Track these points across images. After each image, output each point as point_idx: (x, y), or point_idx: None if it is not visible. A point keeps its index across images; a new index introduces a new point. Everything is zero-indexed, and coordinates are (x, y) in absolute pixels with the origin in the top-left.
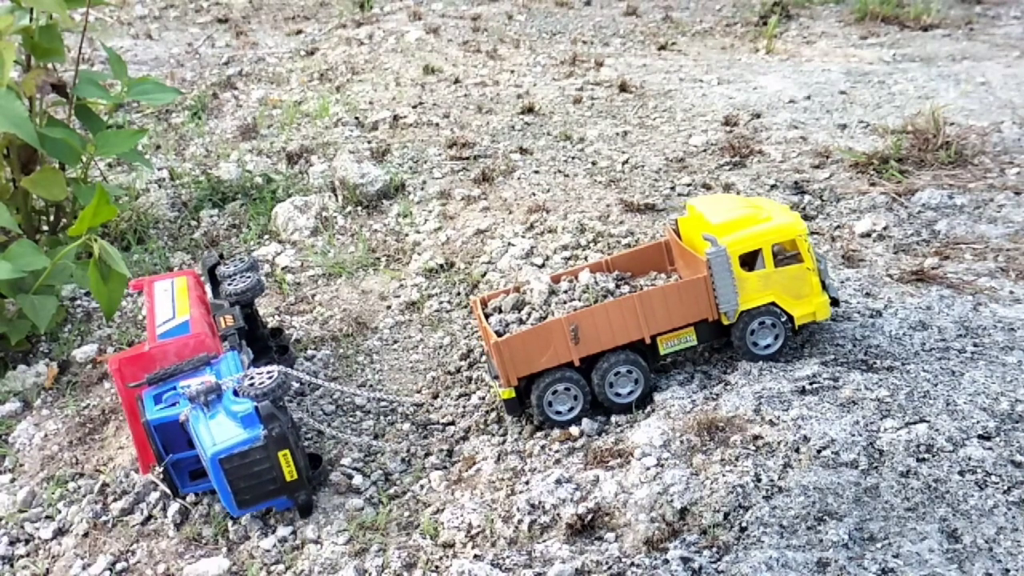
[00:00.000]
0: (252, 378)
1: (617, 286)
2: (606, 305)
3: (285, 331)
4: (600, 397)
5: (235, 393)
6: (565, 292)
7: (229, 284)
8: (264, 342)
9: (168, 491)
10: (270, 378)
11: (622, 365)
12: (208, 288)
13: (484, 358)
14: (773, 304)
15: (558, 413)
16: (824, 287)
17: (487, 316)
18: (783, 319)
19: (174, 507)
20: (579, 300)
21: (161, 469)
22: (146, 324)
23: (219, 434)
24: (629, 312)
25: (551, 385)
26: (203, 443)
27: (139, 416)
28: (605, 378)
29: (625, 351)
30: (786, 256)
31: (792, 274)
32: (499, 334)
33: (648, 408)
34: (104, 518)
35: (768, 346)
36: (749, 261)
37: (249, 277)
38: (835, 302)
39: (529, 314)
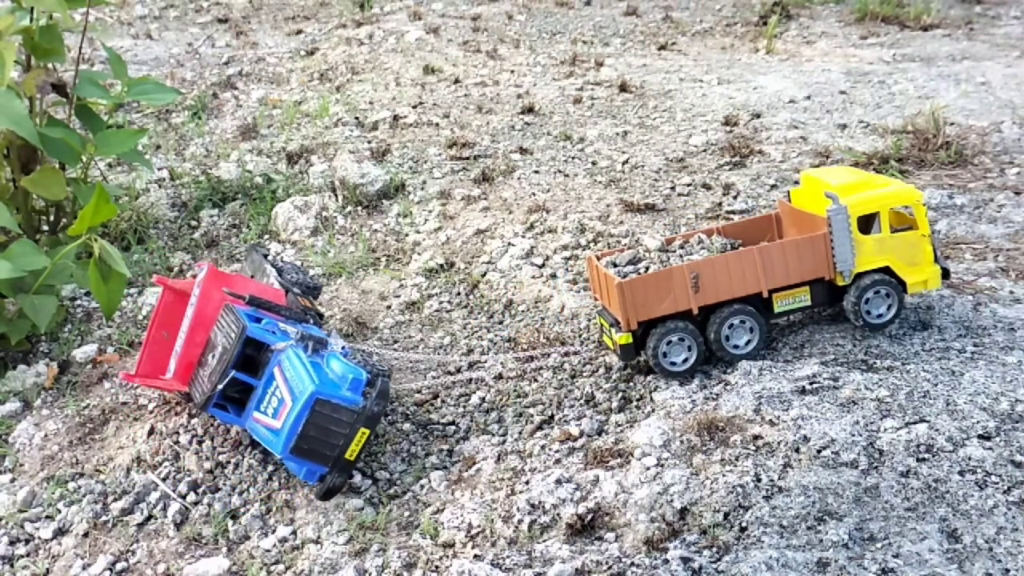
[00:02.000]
0: (366, 355)
1: (733, 247)
2: (727, 256)
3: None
4: (716, 348)
5: (344, 355)
6: (682, 248)
7: (295, 274)
8: None
9: (201, 403)
10: (382, 362)
11: (738, 315)
12: (270, 268)
13: (598, 315)
14: (888, 268)
15: (672, 364)
16: (936, 258)
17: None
18: (896, 287)
19: (174, 507)
20: (696, 255)
21: (222, 384)
22: (153, 314)
23: (323, 380)
24: (749, 264)
25: (667, 335)
26: (303, 378)
27: (205, 326)
28: (722, 328)
29: (742, 303)
30: (896, 228)
31: (908, 240)
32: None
33: (648, 408)
34: (104, 518)
35: (881, 315)
36: (866, 226)
37: (312, 278)
38: (946, 273)
39: (647, 267)
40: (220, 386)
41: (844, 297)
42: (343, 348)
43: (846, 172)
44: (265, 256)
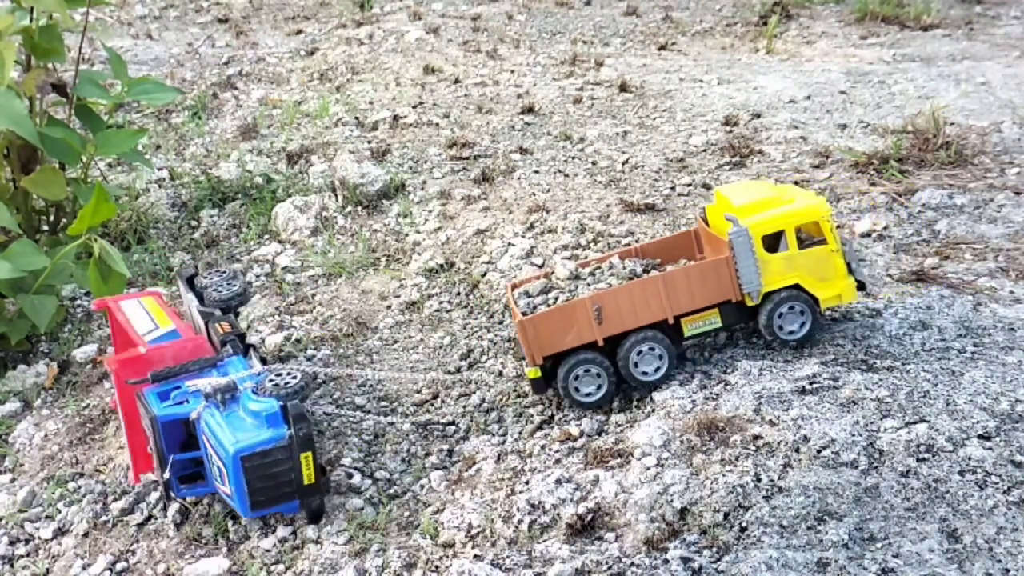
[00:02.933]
0: (275, 378)
1: (646, 270)
2: (629, 285)
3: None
4: (625, 375)
5: (255, 392)
6: (592, 276)
7: (215, 292)
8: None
9: (163, 494)
10: (294, 378)
11: (645, 343)
12: (191, 297)
13: (514, 342)
14: (797, 286)
15: (587, 395)
16: (850, 270)
17: (516, 301)
18: (809, 302)
19: (174, 507)
20: (604, 282)
21: (166, 469)
22: (112, 341)
23: (240, 432)
24: (652, 292)
25: (576, 366)
26: (221, 441)
27: (139, 417)
28: (629, 356)
29: (649, 330)
30: (811, 241)
31: (817, 256)
32: (524, 315)
33: (648, 408)
34: (104, 518)
35: (793, 332)
36: (773, 244)
37: (234, 284)
38: (862, 286)
39: (556, 297)
40: (167, 474)
41: (757, 315)
42: (258, 375)
43: (755, 188)
44: (190, 279)
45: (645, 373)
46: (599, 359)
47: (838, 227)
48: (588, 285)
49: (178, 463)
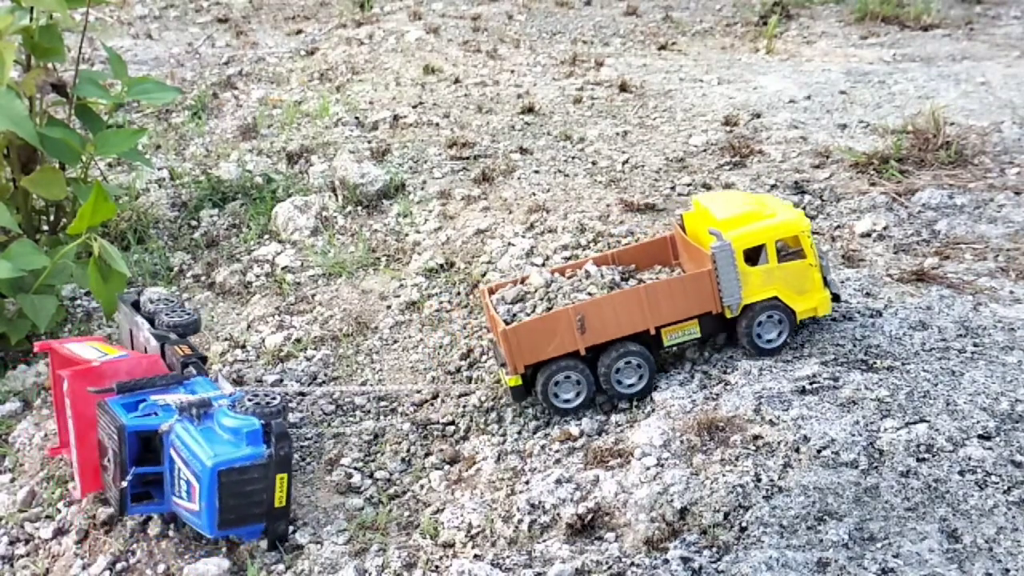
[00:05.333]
0: (255, 397)
1: (623, 278)
2: (612, 296)
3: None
4: (605, 387)
5: (232, 408)
6: (570, 284)
7: (167, 316)
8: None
9: (118, 508)
10: (274, 399)
11: (627, 356)
12: (139, 320)
13: (491, 347)
14: (775, 299)
15: (564, 401)
16: (825, 283)
17: (496, 307)
18: (786, 311)
19: None
20: (584, 292)
21: (125, 479)
22: (52, 383)
23: (218, 447)
24: (635, 303)
25: (556, 373)
26: (197, 454)
27: (92, 431)
28: (611, 368)
29: (630, 341)
30: (789, 252)
31: (795, 269)
32: (507, 323)
33: (648, 408)
34: (104, 518)
35: (771, 340)
36: (753, 256)
37: (188, 313)
38: (836, 298)
39: (535, 306)
40: (125, 485)
41: (736, 326)
42: (232, 395)
43: (735, 200)
44: (135, 304)
45: (620, 383)
46: (580, 367)
47: (837, 228)
48: (566, 294)
49: (133, 479)
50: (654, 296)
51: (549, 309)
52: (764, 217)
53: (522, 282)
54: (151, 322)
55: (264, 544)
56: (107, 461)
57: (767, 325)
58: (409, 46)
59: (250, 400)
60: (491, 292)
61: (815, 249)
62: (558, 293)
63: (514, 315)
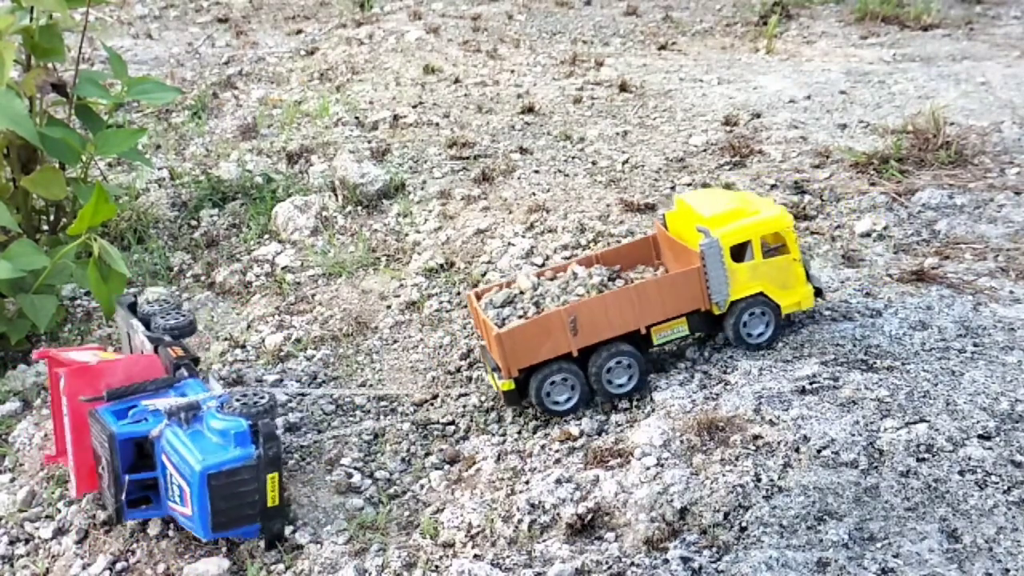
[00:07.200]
0: (242, 397)
1: (611, 279)
2: (604, 296)
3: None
4: (596, 387)
5: (219, 410)
6: (558, 286)
7: (163, 319)
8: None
9: (115, 516)
10: (262, 398)
11: (618, 356)
12: (135, 322)
13: (481, 351)
14: (761, 294)
15: (556, 403)
16: (808, 278)
17: (485, 311)
18: (772, 305)
19: None
20: (573, 293)
21: (122, 491)
22: (51, 394)
23: (206, 450)
24: (626, 303)
25: (549, 376)
26: (186, 459)
27: (88, 433)
28: (602, 368)
29: (621, 341)
30: (771, 248)
31: (780, 265)
32: (498, 327)
33: (648, 408)
34: (104, 517)
35: (760, 334)
36: (737, 253)
37: (183, 315)
38: (819, 292)
39: (525, 311)
40: (123, 496)
41: (723, 323)
42: (221, 397)
43: (719, 198)
44: (131, 307)
45: (614, 384)
46: (572, 369)
47: (837, 228)
48: (555, 297)
49: (130, 484)
50: (645, 295)
51: (538, 312)
52: (749, 214)
53: (508, 285)
54: (147, 325)
55: (264, 544)
56: (101, 469)
57: (752, 322)
58: (409, 46)
59: (238, 400)
60: (478, 297)
61: (798, 244)
62: (546, 295)
63: (504, 319)
